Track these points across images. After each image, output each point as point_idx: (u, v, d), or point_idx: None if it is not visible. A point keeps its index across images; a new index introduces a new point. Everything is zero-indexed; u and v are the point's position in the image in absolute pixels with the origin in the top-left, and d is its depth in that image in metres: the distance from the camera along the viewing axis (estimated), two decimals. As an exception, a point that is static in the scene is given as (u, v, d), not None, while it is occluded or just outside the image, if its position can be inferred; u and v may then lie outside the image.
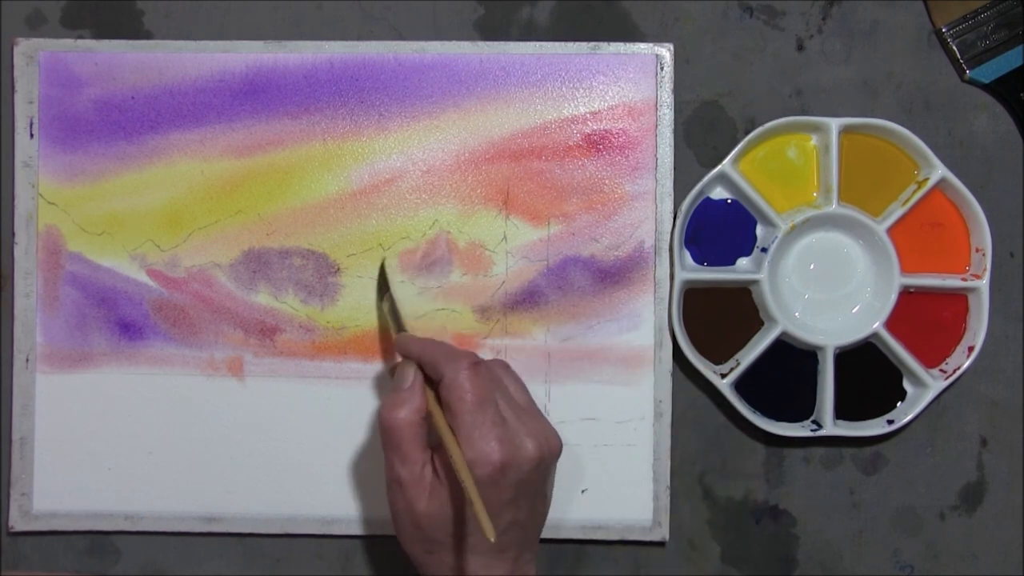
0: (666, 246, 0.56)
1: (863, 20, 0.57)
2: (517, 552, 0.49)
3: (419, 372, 0.50)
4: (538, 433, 0.49)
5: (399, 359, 0.53)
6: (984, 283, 0.56)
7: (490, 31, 0.58)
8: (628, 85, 0.57)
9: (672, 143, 0.57)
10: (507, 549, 0.49)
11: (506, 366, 0.52)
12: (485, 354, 0.56)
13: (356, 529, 0.57)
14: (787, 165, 0.57)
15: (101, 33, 0.57)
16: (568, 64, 0.57)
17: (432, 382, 0.50)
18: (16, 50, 0.57)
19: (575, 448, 0.56)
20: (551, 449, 0.49)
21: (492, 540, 0.44)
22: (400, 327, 0.54)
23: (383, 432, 0.49)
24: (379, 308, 0.56)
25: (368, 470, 0.57)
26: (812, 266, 0.57)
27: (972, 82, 0.57)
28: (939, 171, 0.55)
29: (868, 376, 0.57)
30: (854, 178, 0.56)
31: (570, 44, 0.57)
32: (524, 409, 0.50)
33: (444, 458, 0.49)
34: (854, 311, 0.57)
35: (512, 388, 0.51)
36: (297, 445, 0.57)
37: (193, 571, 0.57)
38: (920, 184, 0.56)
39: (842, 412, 0.56)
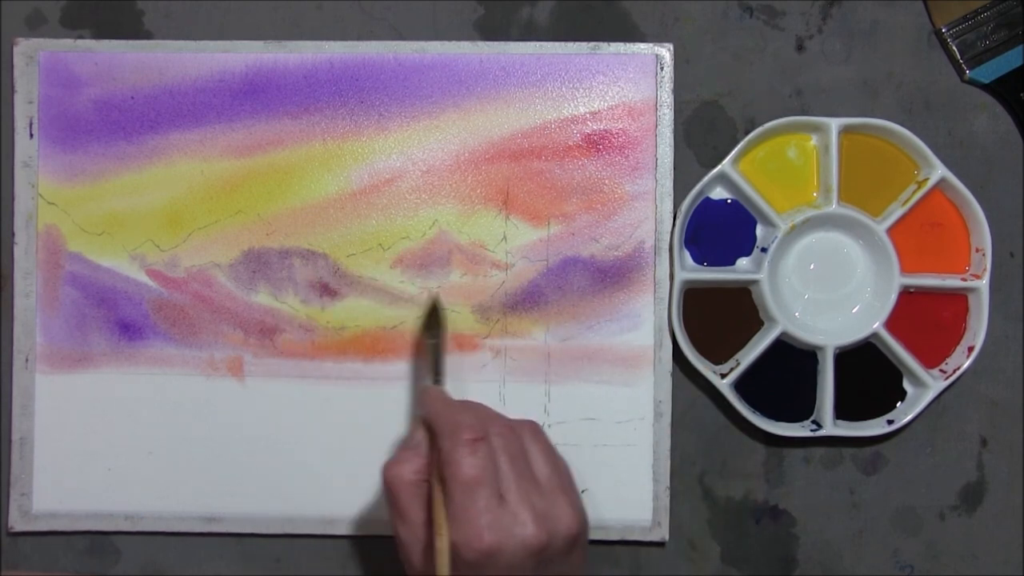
0: (666, 246, 0.56)
1: (863, 20, 0.58)
2: None
3: (428, 432, 0.49)
4: (547, 515, 0.46)
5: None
6: (984, 283, 0.56)
7: (490, 31, 0.58)
8: (628, 85, 0.57)
9: (672, 143, 0.57)
10: None
11: (535, 431, 0.49)
12: (484, 355, 0.56)
13: (356, 529, 0.57)
14: (787, 165, 0.57)
15: (101, 33, 0.57)
16: (568, 64, 0.57)
17: None
18: (16, 50, 0.57)
19: (575, 448, 0.56)
20: (562, 532, 0.46)
21: None
22: (435, 378, 0.52)
23: (383, 487, 0.48)
24: (420, 340, 0.55)
25: (368, 470, 0.57)
26: (812, 266, 0.57)
27: (972, 82, 0.57)
28: (939, 171, 0.55)
29: (868, 376, 0.57)
30: (854, 178, 0.56)
31: (570, 44, 0.57)
32: (541, 485, 0.47)
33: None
34: (854, 311, 0.57)
35: (536, 458, 0.48)
36: (297, 445, 0.57)
37: (193, 571, 0.57)
38: (920, 184, 0.56)
39: (842, 412, 0.56)
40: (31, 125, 0.57)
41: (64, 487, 0.57)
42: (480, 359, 0.57)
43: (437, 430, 0.47)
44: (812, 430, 0.56)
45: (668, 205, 0.56)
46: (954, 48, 0.57)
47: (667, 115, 0.57)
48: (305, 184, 0.57)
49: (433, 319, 0.54)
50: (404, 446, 0.49)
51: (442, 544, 0.45)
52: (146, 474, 0.57)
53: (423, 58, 0.57)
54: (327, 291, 0.57)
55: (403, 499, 0.48)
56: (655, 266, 0.56)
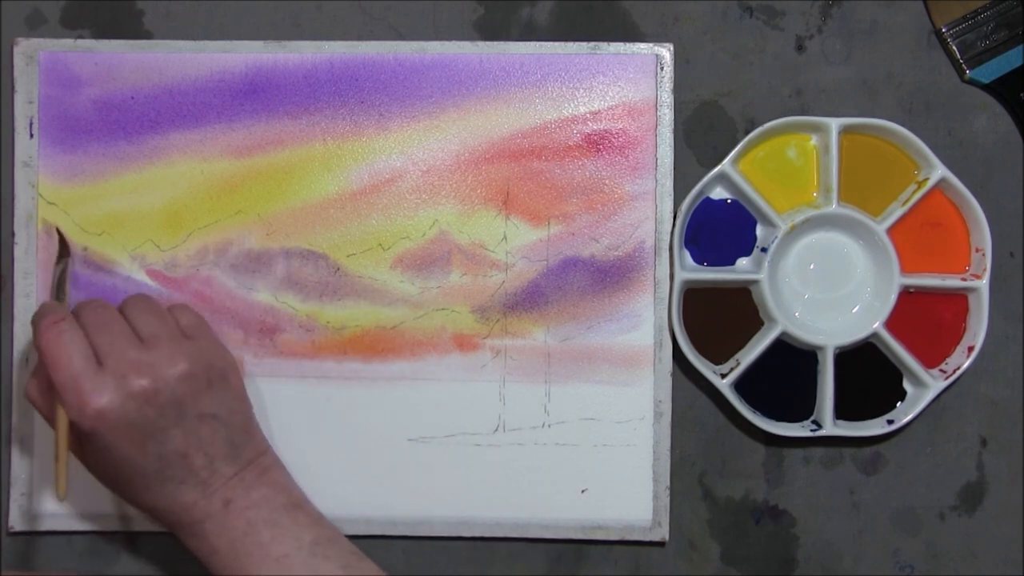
0: (666, 246, 0.56)
1: (863, 20, 0.58)
2: (202, 477, 0.49)
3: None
4: (150, 363, 0.48)
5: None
6: (984, 283, 0.56)
7: (490, 31, 0.58)
8: (628, 85, 0.57)
9: (672, 143, 0.57)
10: (184, 479, 0.49)
11: (139, 300, 0.52)
12: (484, 355, 0.56)
13: (356, 529, 0.56)
14: (787, 165, 0.57)
15: (101, 33, 0.57)
16: (568, 64, 0.57)
17: None
18: (16, 50, 0.57)
19: (575, 448, 0.56)
20: (171, 374, 0.49)
21: (61, 498, 0.48)
22: (59, 296, 0.54)
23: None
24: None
25: (368, 470, 0.57)
26: (812, 266, 0.57)
27: (972, 82, 0.57)
28: (939, 171, 0.55)
29: (868, 376, 0.56)
30: (854, 178, 0.56)
31: (570, 44, 0.57)
32: (144, 341, 0.49)
33: None
34: (854, 311, 0.57)
35: (140, 319, 0.50)
36: (297, 445, 0.57)
37: (193, 571, 0.57)
38: (920, 184, 0.56)
39: (842, 412, 0.56)
40: (31, 125, 0.57)
41: (64, 487, 0.57)
42: (480, 359, 0.57)
43: (33, 331, 0.50)
44: (812, 430, 0.56)
45: (668, 205, 0.56)
46: (954, 48, 0.57)
47: (667, 115, 0.57)
48: (305, 184, 0.57)
49: (61, 249, 0.56)
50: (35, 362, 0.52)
51: (59, 426, 0.48)
52: (146, 474, 0.57)
53: (423, 58, 0.57)
54: (327, 291, 0.57)
55: (45, 409, 0.51)
56: (655, 266, 0.56)
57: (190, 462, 0.49)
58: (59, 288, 0.54)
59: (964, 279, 0.56)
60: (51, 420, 0.51)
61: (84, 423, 0.48)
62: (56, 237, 0.56)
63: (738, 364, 0.56)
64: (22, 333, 0.56)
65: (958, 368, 0.56)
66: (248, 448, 0.51)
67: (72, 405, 0.48)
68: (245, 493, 0.50)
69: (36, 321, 0.49)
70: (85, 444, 0.49)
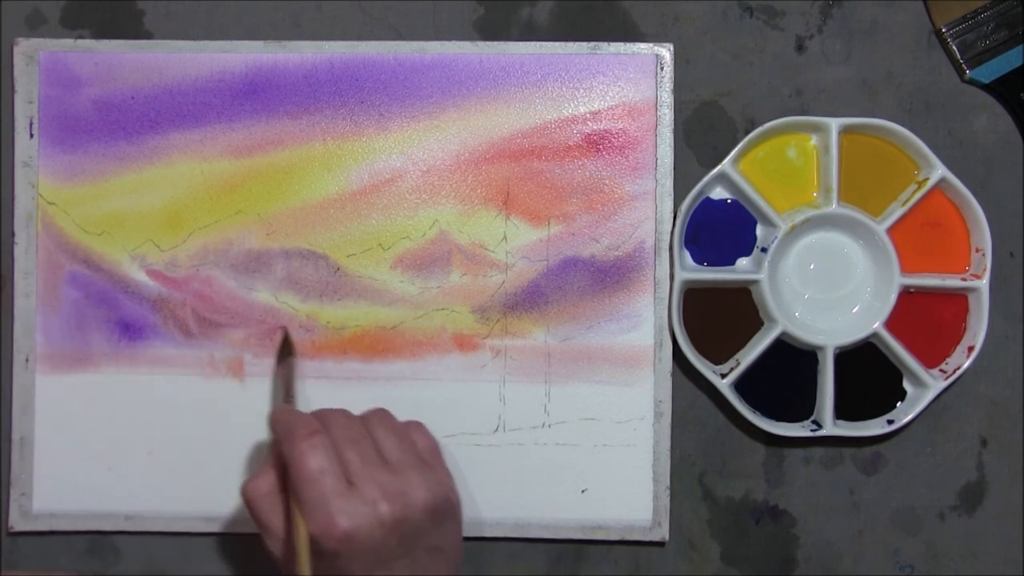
0: (666, 246, 0.56)
1: (863, 20, 0.58)
2: None
3: (276, 445, 0.50)
4: (399, 491, 0.47)
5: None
6: (984, 283, 0.56)
7: (490, 31, 0.58)
8: (628, 85, 0.57)
9: (672, 143, 0.57)
10: None
11: (381, 415, 0.51)
12: (484, 355, 0.56)
13: (356, 529, 0.57)
14: (787, 165, 0.57)
15: (101, 33, 0.57)
16: (568, 64, 0.57)
17: None
18: (16, 50, 0.57)
19: (575, 448, 0.56)
20: (417, 504, 0.47)
21: None
22: (286, 398, 0.54)
23: (245, 505, 0.50)
24: (275, 369, 0.56)
25: (368, 470, 0.57)
26: (812, 266, 0.57)
27: (972, 82, 0.57)
28: (939, 171, 0.55)
29: (868, 376, 0.57)
30: (854, 178, 0.56)
31: (570, 44, 0.57)
32: (391, 464, 0.48)
33: None
34: (854, 311, 0.57)
35: (384, 440, 0.49)
36: (297, 445, 0.57)
37: (193, 571, 0.57)
38: (920, 184, 0.56)
39: (842, 412, 0.56)
40: (31, 125, 0.57)
41: (64, 487, 0.57)
42: (480, 359, 0.57)
43: (279, 437, 0.49)
44: (812, 430, 0.56)
45: (668, 205, 0.56)
46: (954, 48, 0.57)
47: (667, 115, 0.57)
48: (305, 184, 0.57)
49: (285, 349, 0.56)
50: (261, 463, 0.50)
51: (300, 541, 0.46)
52: (146, 474, 0.57)
53: (423, 58, 0.57)
54: (327, 291, 0.57)
55: (262, 512, 0.49)
56: (655, 266, 0.56)
57: None
58: (288, 392, 0.54)
59: (964, 279, 0.56)
60: (263, 524, 0.49)
61: (328, 543, 0.46)
62: (283, 339, 0.56)
63: (738, 364, 0.56)
64: (22, 333, 0.56)
65: (958, 368, 0.56)
66: None
67: (319, 523, 0.46)
68: None
69: (288, 432, 0.48)
70: (316, 559, 0.47)
